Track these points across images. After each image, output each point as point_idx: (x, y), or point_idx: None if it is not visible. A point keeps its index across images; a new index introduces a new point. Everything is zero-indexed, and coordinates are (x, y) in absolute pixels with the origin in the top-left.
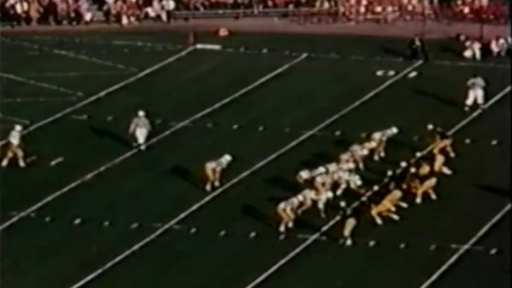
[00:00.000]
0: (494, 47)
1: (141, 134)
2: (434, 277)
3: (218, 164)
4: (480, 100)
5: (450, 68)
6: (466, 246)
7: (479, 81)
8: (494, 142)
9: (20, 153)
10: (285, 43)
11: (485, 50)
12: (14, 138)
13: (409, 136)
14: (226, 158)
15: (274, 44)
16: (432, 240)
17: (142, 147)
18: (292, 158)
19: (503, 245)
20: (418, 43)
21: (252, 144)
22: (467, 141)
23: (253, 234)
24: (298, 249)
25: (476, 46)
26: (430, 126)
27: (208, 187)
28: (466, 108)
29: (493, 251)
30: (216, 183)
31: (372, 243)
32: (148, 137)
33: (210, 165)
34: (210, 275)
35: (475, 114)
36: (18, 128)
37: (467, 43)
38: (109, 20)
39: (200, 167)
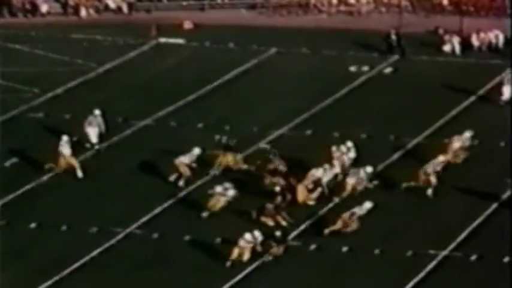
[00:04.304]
0: (475, 41)
1: (93, 133)
2: (411, 284)
3: (190, 157)
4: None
5: (428, 63)
6: (444, 253)
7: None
8: (475, 142)
9: None
10: (253, 37)
11: (465, 44)
12: None
13: (385, 135)
14: (196, 151)
15: (242, 37)
16: (409, 246)
17: (97, 147)
18: (260, 159)
19: (484, 250)
20: (394, 37)
21: (218, 143)
22: (446, 140)
23: (218, 239)
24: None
25: (456, 40)
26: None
27: (181, 183)
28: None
29: (473, 257)
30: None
31: (345, 248)
32: (101, 138)
33: (183, 160)
34: (173, 284)
35: (454, 112)
36: None
37: (446, 37)
38: (67, 12)
39: (171, 164)
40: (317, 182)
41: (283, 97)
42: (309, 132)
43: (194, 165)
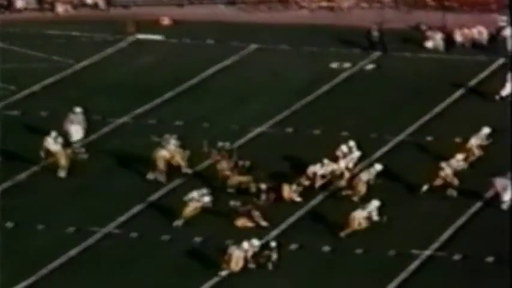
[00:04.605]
0: (458, 37)
1: (76, 132)
2: (394, 284)
3: (171, 150)
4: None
5: (411, 60)
6: (428, 252)
7: None
8: (458, 140)
9: None
10: (232, 33)
11: (449, 40)
12: None
13: (367, 133)
14: (173, 143)
15: (221, 34)
16: (392, 246)
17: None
18: (240, 157)
19: (469, 250)
20: (375, 33)
21: (197, 142)
22: (429, 138)
23: (199, 239)
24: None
25: (439, 36)
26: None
27: (162, 178)
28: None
29: (457, 257)
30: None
31: (327, 248)
32: (86, 136)
33: (163, 153)
34: (153, 284)
35: (437, 109)
36: None
37: (429, 33)
38: (43, 8)
39: (149, 162)
40: (314, 179)
41: (263, 94)
42: (290, 129)
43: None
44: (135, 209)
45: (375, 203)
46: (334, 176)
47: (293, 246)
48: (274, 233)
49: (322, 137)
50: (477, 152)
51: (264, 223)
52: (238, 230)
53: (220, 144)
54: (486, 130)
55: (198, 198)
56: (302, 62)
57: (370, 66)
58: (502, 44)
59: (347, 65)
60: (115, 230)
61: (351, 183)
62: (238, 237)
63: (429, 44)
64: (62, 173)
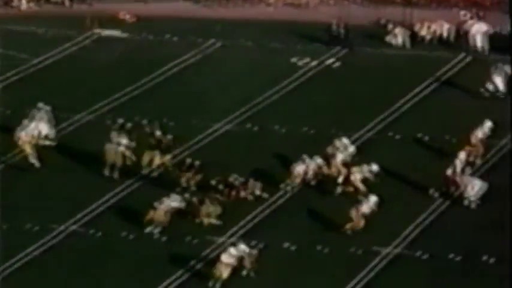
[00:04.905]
0: (423, 33)
1: (43, 128)
2: (358, 283)
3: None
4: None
5: (376, 56)
6: (394, 250)
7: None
8: (426, 138)
9: None
10: (196, 29)
11: (414, 36)
12: None
13: (331, 130)
14: (123, 141)
15: (185, 30)
16: (357, 244)
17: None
18: (203, 155)
19: (435, 248)
20: (340, 29)
21: (158, 139)
22: (397, 136)
23: (164, 238)
24: (213, 253)
25: (404, 32)
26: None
27: (115, 175)
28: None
29: (425, 256)
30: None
31: (293, 247)
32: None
33: (111, 147)
34: (117, 282)
35: (401, 106)
36: None
37: (394, 29)
38: (6, 5)
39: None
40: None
41: (227, 91)
42: (252, 126)
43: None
44: (99, 207)
45: (373, 199)
46: (328, 174)
47: (259, 246)
48: (241, 231)
49: (286, 134)
50: (481, 148)
51: (214, 220)
52: (202, 228)
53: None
54: (488, 124)
55: (170, 203)
56: (266, 58)
57: (335, 63)
58: (466, 40)
59: (311, 61)
60: (78, 228)
61: (348, 181)
62: (200, 235)
63: (394, 40)
64: (34, 161)
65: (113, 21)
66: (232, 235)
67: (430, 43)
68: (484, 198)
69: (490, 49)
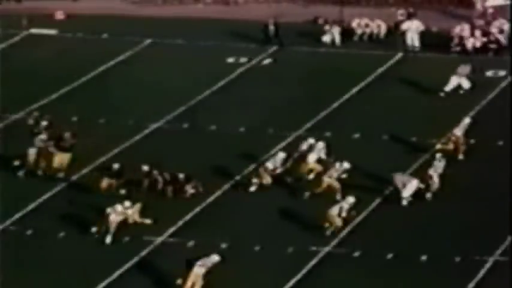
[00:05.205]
0: (356, 31)
1: None
2: (292, 282)
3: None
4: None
5: (308, 54)
6: (326, 248)
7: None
8: (356, 135)
9: None
10: (127, 27)
11: (346, 34)
12: None
13: (263, 129)
14: (41, 138)
15: (116, 28)
16: (290, 243)
17: None
18: (136, 153)
19: (368, 246)
20: (272, 27)
21: (93, 138)
22: (328, 134)
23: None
24: (145, 251)
25: (336, 30)
26: None
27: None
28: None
29: (357, 253)
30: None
31: (224, 245)
32: None
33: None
34: (51, 282)
35: (336, 105)
36: None
37: (326, 27)
38: None
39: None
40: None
41: (159, 89)
42: (185, 125)
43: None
44: (31, 206)
45: (350, 200)
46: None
47: (190, 243)
48: (171, 230)
49: (218, 132)
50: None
51: (148, 220)
52: (136, 227)
53: None
54: (467, 120)
55: (123, 211)
56: (198, 56)
57: (266, 61)
58: (399, 39)
59: (243, 59)
60: (10, 227)
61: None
62: (135, 233)
63: (326, 38)
64: None
65: (44, 19)
66: (171, 235)
67: (363, 41)
68: (416, 195)
69: (421, 46)
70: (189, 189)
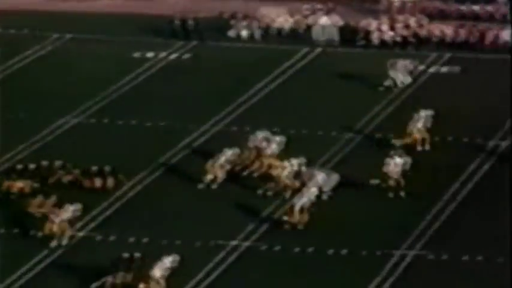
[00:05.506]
0: (271, 27)
1: None
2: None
3: None
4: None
5: (219, 49)
6: (234, 242)
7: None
8: (277, 130)
9: None
10: (44, 23)
11: (264, 29)
12: None
13: (181, 122)
14: None
15: (33, 23)
16: (199, 236)
17: None
18: (53, 149)
19: (285, 241)
20: (185, 22)
21: (4, 135)
22: (247, 129)
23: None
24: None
25: (254, 25)
26: None
27: None
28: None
29: (277, 248)
30: None
31: (145, 240)
32: None
33: None
34: None
35: (251, 100)
36: None
37: (238, 22)
38: None
39: None
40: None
41: (76, 84)
42: (103, 119)
43: None
44: None
45: (313, 191)
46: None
47: (112, 238)
48: (92, 225)
49: (136, 126)
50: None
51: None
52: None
53: None
54: (427, 113)
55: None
56: (114, 51)
57: (183, 56)
58: (306, 33)
59: (159, 54)
60: None
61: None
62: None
63: (240, 33)
64: None
65: None
66: (92, 230)
67: (275, 36)
68: (336, 189)
69: (338, 41)
70: (110, 183)
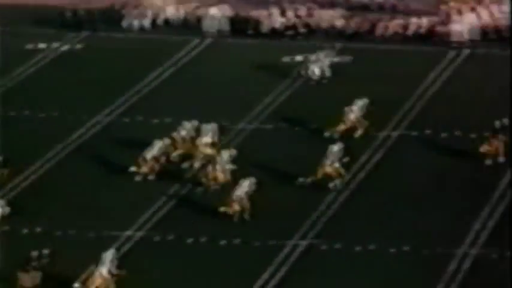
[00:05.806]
0: (163, 17)
1: None
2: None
3: None
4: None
5: (116, 40)
6: (128, 233)
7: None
8: (168, 121)
9: None
10: None
11: (154, 19)
12: None
13: (74, 116)
14: None
15: None
16: (99, 226)
17: None
18: None
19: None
20: (81, 12)
21: None
22: (140, 118)
23: None
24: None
25: (144, 15)
26: None
27: None
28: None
29: (170, 237)
30: None
31: (38, 229)
32: None
33: None
34: None
35: (143, 91)
36: None
37: (134, 12)
38: None
39: None
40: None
41: None
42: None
43: None
44: None
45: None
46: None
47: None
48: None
49: (31, 118)
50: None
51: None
52: None
53: None
54: (364, 101)
55: None
56: (6, 42)
57: (71, 46)
58: (197, 24)
59: (49, 45)
60: None
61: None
62: None
63: (126, 23)
64: None
65: None
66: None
67: (166, 27)
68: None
69: (229, 31)
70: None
